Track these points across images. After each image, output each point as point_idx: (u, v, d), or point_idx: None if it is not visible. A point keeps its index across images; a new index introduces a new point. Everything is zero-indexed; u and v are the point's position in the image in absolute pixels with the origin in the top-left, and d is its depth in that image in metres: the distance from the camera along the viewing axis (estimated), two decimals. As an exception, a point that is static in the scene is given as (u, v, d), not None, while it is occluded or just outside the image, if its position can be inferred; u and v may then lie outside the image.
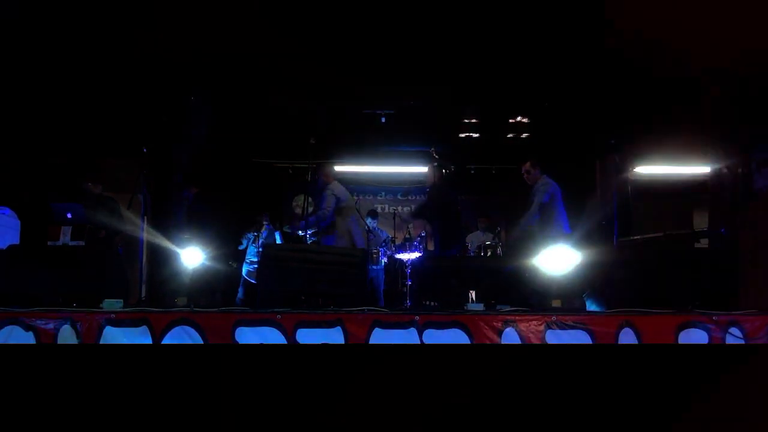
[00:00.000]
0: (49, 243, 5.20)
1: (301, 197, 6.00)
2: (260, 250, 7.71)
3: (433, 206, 6.47)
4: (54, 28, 5.68)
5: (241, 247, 8.09)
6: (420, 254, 5.24)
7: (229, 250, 7.74)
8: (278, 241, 8.10)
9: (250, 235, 8.05)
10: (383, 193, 10.29)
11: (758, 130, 6.67)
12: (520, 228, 5.98)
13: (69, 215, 5.29)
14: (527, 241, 5.72)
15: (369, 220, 7.68)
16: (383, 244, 7.90)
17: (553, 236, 5.70)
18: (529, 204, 5.88)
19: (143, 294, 5.55)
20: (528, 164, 6.02)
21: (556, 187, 5.93)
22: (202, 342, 3.86)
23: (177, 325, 3.91)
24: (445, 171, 6.75)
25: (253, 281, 7.89)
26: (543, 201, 5.82)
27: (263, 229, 8.06)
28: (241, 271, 8.07)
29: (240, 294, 7.96)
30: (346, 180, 7.04)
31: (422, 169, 7.53)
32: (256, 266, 7.71)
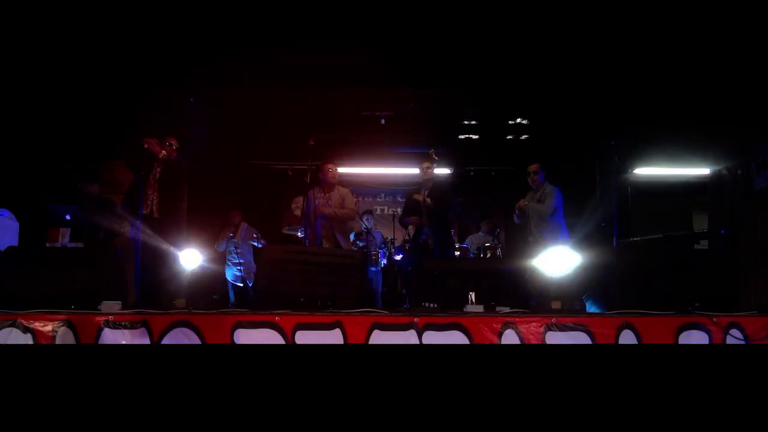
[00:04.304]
0: (47, 245, 5.19)
1: (300, 198, 5.95)
2: (239, 251, 7.67)
3: (442, 206, 6.35)
4: (53, 29, 5.68)
5: (220, 248, 7.79)
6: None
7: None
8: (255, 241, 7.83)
9: (230, 236, 7.71)
10: (383, 195, 10.28)
11: (757, 131, 6.67)
12: (530, 213, 6.00)
13: (68, 217, 5.28)
14: (534, 246, 5.72)
15: (365, 219, 7.56)
16: (382, 245, 7.87)
17: (560, 243, 5.71)
18: (536, 201, 5.97)
19: (141, 296, 5.52)
20: (537, 165, 6.06)
21: (561, 196, 6.01)
22: (200, 344, 3.84)
23: (176, 327, 3.89)
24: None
25: (240, 285, 7.71)
26: (555, 205, 5.89)
27: (240, 229, 7.80)
28: (227, 275, 7.79)
29: (232, 299, 7.75)
30: (345, 182, 7.00)
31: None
32: (241, 267, 7.61)
